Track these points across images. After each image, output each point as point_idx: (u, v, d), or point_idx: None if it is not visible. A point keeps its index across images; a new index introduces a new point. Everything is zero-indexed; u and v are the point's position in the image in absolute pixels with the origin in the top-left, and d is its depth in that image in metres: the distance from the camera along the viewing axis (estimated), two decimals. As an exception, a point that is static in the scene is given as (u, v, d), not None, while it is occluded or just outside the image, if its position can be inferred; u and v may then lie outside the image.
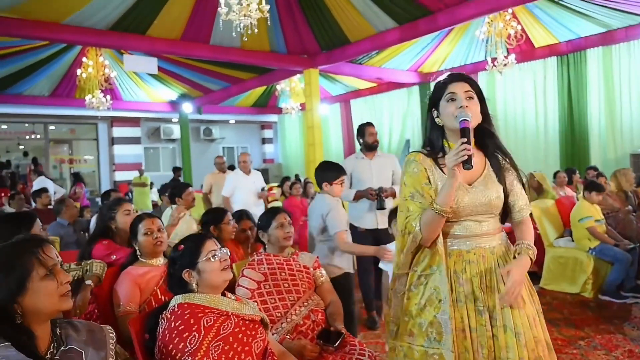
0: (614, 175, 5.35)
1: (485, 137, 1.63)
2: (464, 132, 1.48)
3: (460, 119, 1.50)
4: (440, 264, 1.54)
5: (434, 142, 1.64)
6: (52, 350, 1.24)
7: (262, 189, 5.30)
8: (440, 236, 1.57)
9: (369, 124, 3.95)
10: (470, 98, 1.56)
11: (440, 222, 1.53)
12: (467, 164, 1.44)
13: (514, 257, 1.59)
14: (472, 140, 1.51)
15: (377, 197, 3.67)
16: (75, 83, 9.28)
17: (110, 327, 1.40)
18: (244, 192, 5.15)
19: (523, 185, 1.65)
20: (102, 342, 1.34)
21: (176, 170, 10.42)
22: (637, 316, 3.82)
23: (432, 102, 1.63)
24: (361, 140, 3.91)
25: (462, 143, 1.44)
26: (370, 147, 3.90)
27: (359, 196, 3.72)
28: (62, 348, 1.26)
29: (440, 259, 1.55)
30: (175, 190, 4.13)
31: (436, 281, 1.55)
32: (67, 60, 9.11)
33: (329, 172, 3.00)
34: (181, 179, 10.33)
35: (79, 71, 8.53)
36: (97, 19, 6.40)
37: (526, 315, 1.56)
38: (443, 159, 1.59)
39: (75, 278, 2.17)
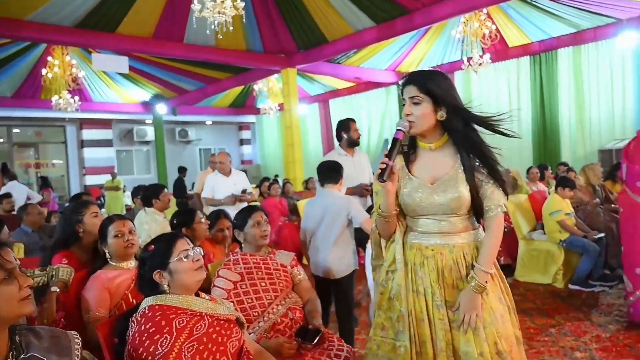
0: (582, 170, 5.50)
1: (452, 135, 1.59)
2: (392, 142, 1.52)
3: (396, 128, 1.55)
4: (400, 261, 1.62)
5: (410, 141, 1.67)
6: (10, 359, 1.17)
7: (244, 191, 4.87)
8: (398, 233, 1.64)
9: (352, 120, 3.85)
10: (416, 104, 1.55)
11: (386, 223, 1.63)
12: (380, 177, 1.48)
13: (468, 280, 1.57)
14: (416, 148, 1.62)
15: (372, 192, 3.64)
16: (41, 83, 9.02)
17: (75, 333, 1.34)
18: (222, 195, 4.82)
19: (501, 184, 1.58)
20: (67, 349, 1.27)
21: (182, 170, 10.11)
22: (604, 303, 3.97)
23: None
24: (345, 136, 3.78)
25: (385, 155, 1.49)
26: (354, 144, 3.81)
27: (349, 193, 3.62)
28: (22, 356, 1.19)
29: (398, 256, 1.63)
30: (150, 192, 4.00)
31: (399, 277, 1.63)
32: (31, 59, 8.82)
33: (340, 169, 3.05)
34: (185, 180, 10.05)
35: (44, 71, 8.27)
36: (63, 16, 6.21)
37: (492, 311, 1.57)
38: (415, 156, 1.66)
39: (40, 284, 2.06)
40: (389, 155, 1.50)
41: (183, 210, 3.27)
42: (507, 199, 1.61)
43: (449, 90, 1.56)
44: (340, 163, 3.16)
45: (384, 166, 1.48)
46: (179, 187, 9.43)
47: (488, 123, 1.61)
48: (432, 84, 1.54)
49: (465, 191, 1.56)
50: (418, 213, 1.61)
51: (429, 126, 1.57)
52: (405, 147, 1.68)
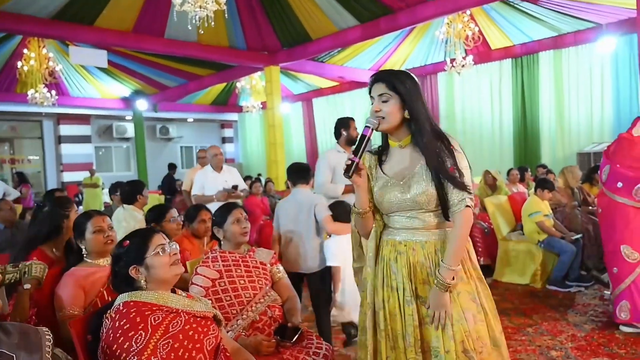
0: (561, 172, 5.60)
1: (414, 133, 1.62)
2: (360, 139, 1.56)
3: (364, 125, 1.58)
4: (371, 258, 1.67)
5: (383, 141, 1.71)
6: None
7: (235, 187, 4.45)
8: (373, 231, 1.68)
9: (352, 119, 3.85)
10: (385, 101, 1.59)
11: (362, 220, 1.67)
12: (345, 172, 1.52)
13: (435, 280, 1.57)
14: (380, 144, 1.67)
15: None
16: (16, 76, 8.76)
17: (46, 329, 1.31)
18: (213, 192, 4.39)
19: (458, 186, 1.56)
20: (37, 345, 1.25)
21: (172, 167, 9.88)
22: (580, 303, 4.03)
23: None
24: (344, 134, 3.74)
25: (352, 151, 1.53)
26: (352, 142, 3.76)
27: (347, 190, 3.62)
28: None
29: (370, 252, 1.67)
30: (133, 188, 3.93)
31: (368, 273, 1.68)
32: (6, 52, 8.57)
33: (309, 169, 3.26)
34: (175, 177, 9.78)
35: (19, 63, 8.06)
36: (39, 7, 6.03)
37: (461, 310, 1.57)
38: (387, 155, 1.69)
39: (12, 281, 2.00)
40: (355, 152, 1.53)
41: (156, 206, 3.19)
42: (471, 195, 1.60)
43: (412, 91, 1.60)
44: (340, 160, 3.15)
45: (349, 162, 1.52)
46: (169, 184, 9.24)
47: (438, 133, 1.62)
48: (398, 82, 1.59)
49: (430, 186, 1.58)
50: (390, 210, 1.65)
51: (397, 123, 1.61)
52: (379, 147, 1.72)
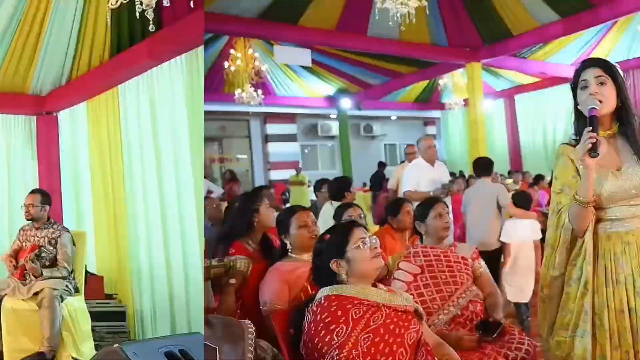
0: None
1: (624, 123, 1.60)
2: (591, 120, 1.50)
3: (589, 107, 1.53)
4: (590, 255, 1.56)
5: (580, 131, 1.61)
6: None
7: (452, 182, 4.33)
8: (591, 225, 1.57)
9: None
10: (602, 83, 1.55)
11: (585, 212, 1.55)
12: (592, 151, 1.44)
13: None
14: (606, 127, 1.59)
15: None
16: (224, 77, 8.63)
17: (249, 322, 1.41)
18: (428, 187, 4.01)
19: None
20: (239, 336, 1.33)
21: (381, 164, 10.03)
22: None
23: (573, 90, 1.65)
24: None
25: (588, 132, 1.46)
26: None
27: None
28: None
29: (589, 248, 1.56)
30: (341, 185, 4.09)
31: (587, 271, 1.58)
32: (213, 52, 8.39)
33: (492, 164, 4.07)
34: (385, 174, 9.56)
35: (226, 64, 8.05)
36: (243, 7, 6.09)
37: None
38: None
39: (217, 276, 2.00)
40: (593, 131, 1.45)
41: (343, 204, 3.17)
42: None
43: (624, 80, 1.59)
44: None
45: (594, 140, 1.43)
46: (379, 181, 9.36)
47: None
48: (615, 69, 1.58)
49: None
50: (609, 202, 1.58)
51: (612, 109, 1.58)
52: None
